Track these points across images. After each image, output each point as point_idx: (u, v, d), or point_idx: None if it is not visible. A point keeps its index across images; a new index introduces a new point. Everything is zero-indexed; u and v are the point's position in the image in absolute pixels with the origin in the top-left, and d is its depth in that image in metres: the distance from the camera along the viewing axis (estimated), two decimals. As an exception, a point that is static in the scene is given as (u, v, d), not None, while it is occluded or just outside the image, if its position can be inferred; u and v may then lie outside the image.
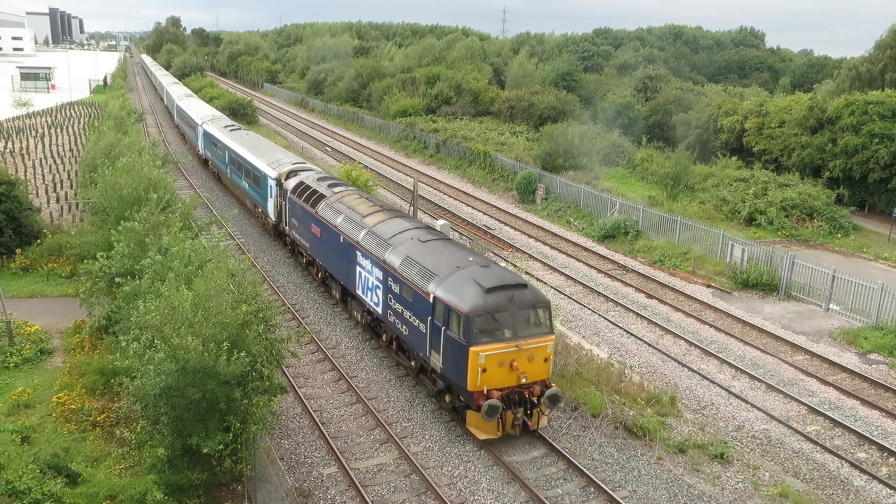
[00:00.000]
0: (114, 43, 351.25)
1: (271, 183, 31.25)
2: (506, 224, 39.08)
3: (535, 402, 17.19)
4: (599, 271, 31.54)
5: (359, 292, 22.46)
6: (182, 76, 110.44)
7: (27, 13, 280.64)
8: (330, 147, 62.59)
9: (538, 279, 29.53)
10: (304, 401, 19.12)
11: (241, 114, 69.99)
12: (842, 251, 34.24)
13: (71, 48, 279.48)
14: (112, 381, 17.08)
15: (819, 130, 42.03)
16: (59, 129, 63.05)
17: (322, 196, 26.32)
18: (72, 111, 77.00)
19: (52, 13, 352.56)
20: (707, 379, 21.88)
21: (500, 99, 67.72)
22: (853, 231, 37.00)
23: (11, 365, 19.84)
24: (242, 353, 13.74)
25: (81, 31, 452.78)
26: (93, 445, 15.90)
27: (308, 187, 27.76)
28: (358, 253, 22.08)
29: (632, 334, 24.95)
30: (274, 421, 16.52)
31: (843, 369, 22.52)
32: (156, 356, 13.42)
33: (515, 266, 29.86)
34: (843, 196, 39.50)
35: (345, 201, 25.06)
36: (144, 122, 69.14)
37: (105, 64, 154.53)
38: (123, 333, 16.09)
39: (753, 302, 28.23)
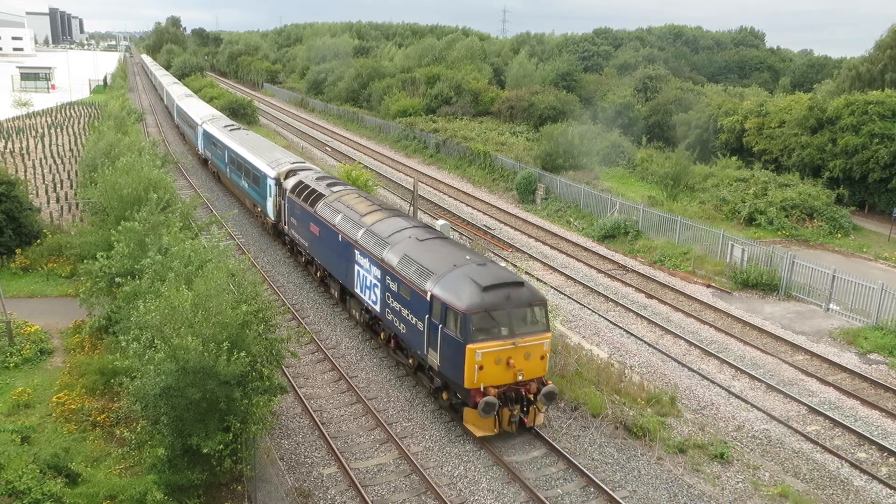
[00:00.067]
0: (114, 43, 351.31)
1: (270, 182, 31.27)
2: (506, 224, 39.09)
3: (532, 399, 17.29)
4: (599, 271, 31.54)
5: (357, 291, 22.50)
6: (182, 76, 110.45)
7: (27, 13, 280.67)
8: (330, 147, 62.60)
9: (538, 279, 29.53)
10: (304, 401, 19.12)
11: (240, 114, 70.00)
12: (842, 251, 34.24)
13: (71, 48, 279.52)
14: (112, 381, 17.08)
15: (819, 130, 42.03)
16: (59, 129, 63.05)
17: (321, 195, 26.36)
18: (72, 111, 77.00)
19: (52, 13, 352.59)
20: (707, 379, 21.88)
21: (500, 99, 67.72)
22: (853, 231, 36.99)
23: (11, 365, 19.85)
24: (242, 353, 13.74)
25: (81, 31, 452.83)
26: (93, 445, 15.90)
27: (307, 186, 27.79)
28: (356, 252, 22.14)
29: (632, 334, 24.95)
30: (274, 421, 16.53)
31: (843, 369, 22.52)
32: (156, 356, 13.42)
33: (515, 266, 29.86)
34: (843, 196, 39.50)
35: (343, 200, 25.10)
36: (144, 122, 69.14)
37: (105, 64, 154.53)
38: (123, 333, 16.10)
39: (753, 302, 28.24)
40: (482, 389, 16.67)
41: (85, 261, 20.77)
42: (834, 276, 27.08)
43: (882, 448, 18.29)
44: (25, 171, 44.08)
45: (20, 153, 50.26)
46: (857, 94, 44.04)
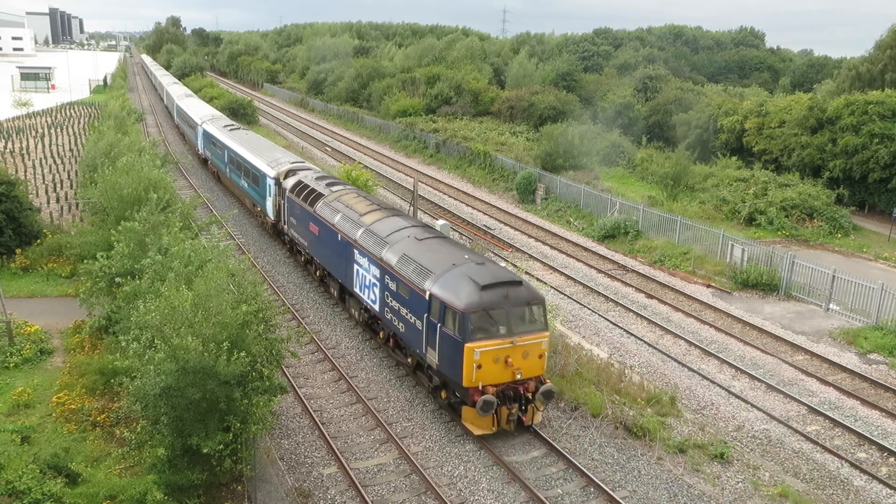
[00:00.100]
0: (114, 43, 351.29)
1: (270, 182, 31.28)
2: (506, 224, 39.08)
3: (530, 397, 17.34)
4: (599, 271, 31.54)
5: (356, 290, 22.54)
6: (182, 76, 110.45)
7: (27, 13, 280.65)
8: (330, 147, 62.60)
9: (538, 279, 29.53)
10: (304, 401, 19.12)
11: (240, 114, 70.00)
12: (842, 251, 34.24)
13: (71, 48, 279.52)
14: (112, 381, 17.08)
15: (819, 130, 42.03)
16: (59, 129, 63.05)
17: (320, 195, 26.38)
18: (72, 111, 77.00)
19: (52, 13, 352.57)
20: (707, 379, 21.87)
21: (500, 99, 67.72)
22: (853, 231, 37.00)
23: (11, 365, 19.84)
24: (242, 353, 13.74)
25: (81, 31, 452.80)
26: (93, 445, 15.90)
27: (306, 186, 27.82)
28: (355, 251, 22.18)
29: (632, 334, 24.95)
30: (274, 421, 16.53)
31: (843, 369, 22.52)
32: (156, 356, 13.42)
33: (515, 266, 29.86)
34: (843, 196, 39.50)
35: (343, 200, 25.13)
36: (144, 122, 69.15)
37: (105, 64, 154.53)
38: (123, 333, 16.09)
39: (753, 302, 28.23)
40: (480, 388, 16.72)
41: (85, 261, 20.77)
42: (834, 276, 27.08)
43: (882, 448, 18.29)
44: (25, 171, 44.08)
45: (20, 153, 50.26)
46: (857, 94, 44.04)
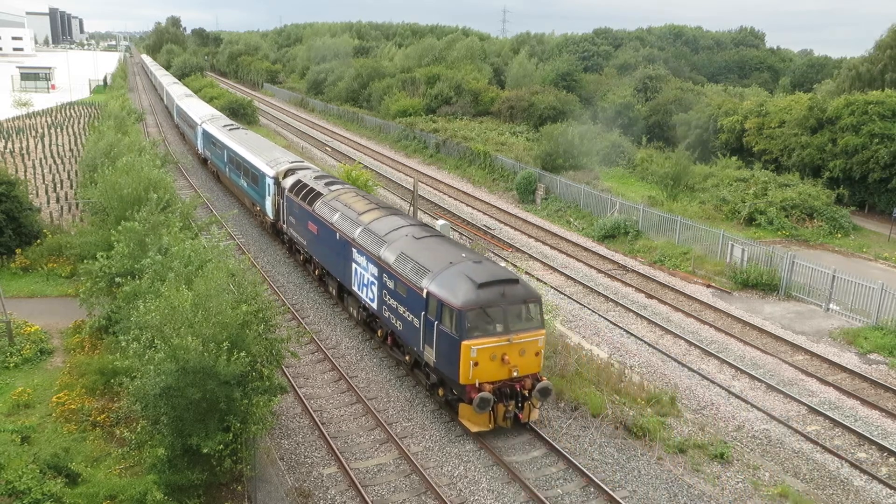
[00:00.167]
0: (114, 43, 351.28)
1: (269, 181, 31.30)
2: (506, 224, 39.08)
3: (527, 395, 17.43)
4: (599, 271, 31.54)
5: (355, 288, 22.61)
6: (182, 76, 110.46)
7: (27, 13, 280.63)
8: (330, 147, 62.60)
9: (538, 279, 29.53)
10: (304, 401, 19.12)
11: (240, 114, 70.01)
12: (842, 251, 34.24)
13: (71, 48, 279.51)
14: (112, 381, 17.08)
15: (819, 130, 42.03)
16: (59, 129, 63.05)
17: (319, 194, 26.44)
18: (72, 111, 77.00)
19: (52, 13, 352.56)
20: (707, 379, 21.87)
21: (500, 99, 67.72)
22: (853, 231, 37.00)
23: (11, 365, 19.84)
24: (242, 353, 13.74)
25: (81, 31, 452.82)
26: (93, 445, 15.90)
27: (305, 185, 27.87)
28: (354, 250, 22.25)
29: (632, 334, 24.95)
30: (274, 421, 16.53)
31: (843, 369, 22.52)
32: (156, 356, 13.42)
33: (515, 266, 29.86)
34: (843, 196, 39.49)
35: (341, 199, 25.19)
36: (144, 122, 69.14)
37: (105, 64, 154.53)
38: (123, 333, 16.09)
39: (753, 302, 28.23)
40: (477, 385, 16.82)
41: (85, 261, 20.76)
42: (834, 276, 27.07)
43: (882, 448, 18.29)
44: (25, 171, 44.08)
45: (20, 153, 50.25)
46: (857, 94, 44.04)
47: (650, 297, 28.51)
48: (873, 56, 50.95)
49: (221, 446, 13.68)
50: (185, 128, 58.35)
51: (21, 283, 26.08)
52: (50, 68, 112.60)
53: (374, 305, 21.09)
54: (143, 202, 21.81)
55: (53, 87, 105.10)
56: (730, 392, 21.06)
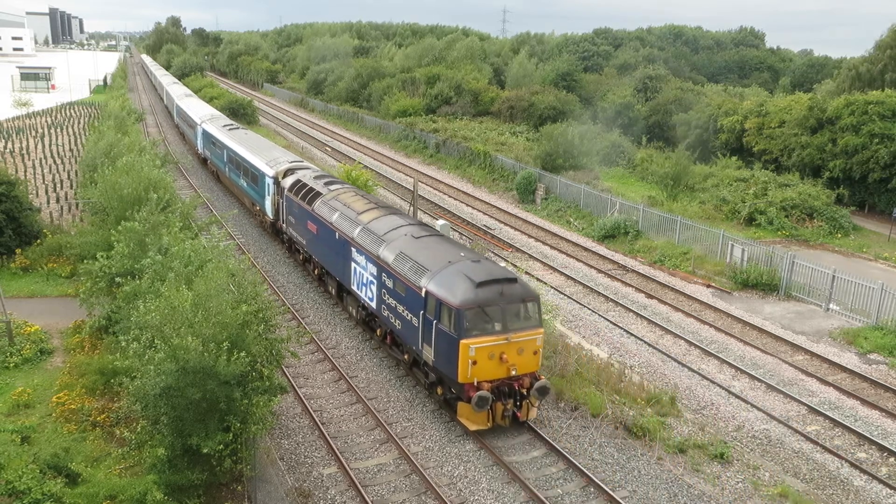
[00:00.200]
0: (114, 43, 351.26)
1: (269, 181, 31.32)
2: (506, 224, 39.09)
3: (525, 393, 17.49)
4: (599, 271, 31.54)
5: (354, 288, 22.65)
6: (182, 76, 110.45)
7: (27, 13, 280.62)
8: (330, 147, 62.60)
9: (538, 279, 29.53)
10: (304, 401, 19.12)
11: (240, 114, 70.01)
12: (842, 251, 34.24)
13: (71, 48, 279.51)
14: (112, 381, 17.08)
15: (819, 130, 42.04)
16: (59, 129, 63.05)
17: (318, 193, 26.47)
18: (72, 111, 76.99)
19: (52, 13, 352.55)
20: (707, 379, 21.87)
21: (500, 99, 67.73)
22: (853, 231, 37.00)
23: (11, 365, 19.84)
24: (242, 353, 13.74)
25: (81, 31, 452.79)
26: (93, 445, 15.90)
27: (305, 185, 27.90)
28: (353, 249, 22.29)
29: (632, 334, 24.95)
30: (274, 421, 16.53)
31: (843, 369, 22.52)
32: (156, 356, 13.42)
33: (515, 266, 29.86)
34: (843, 196, 39.50)
35: (340, 199, 25.23)
36: (144, 122, 69.14)
37: (105, 64, 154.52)
38: (123, 333, 16.09)
39: (753, 302, 28.23)
40: (476, 384, 16.87)
41: (85, 261, 20.77)
42: (834, 276, 27.07)
43: (882, 448, 18.29)
44: (25, 171, 44.08)
45: (20, 153, 50.25)
46: (857, 94, 44.04)
47: (650, 297, 28.51)
48: (873, 56, 50.96)
49: (221, 446, 13.68)
50: (184, 128, 58.36)
51: (21, 283, 26.08)
52: (50, 68, 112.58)
53: (373, 304, 21.12)
54: (143, 202, 21.81)
55: (53, 87, 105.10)
56: (730, 392, 21.06)
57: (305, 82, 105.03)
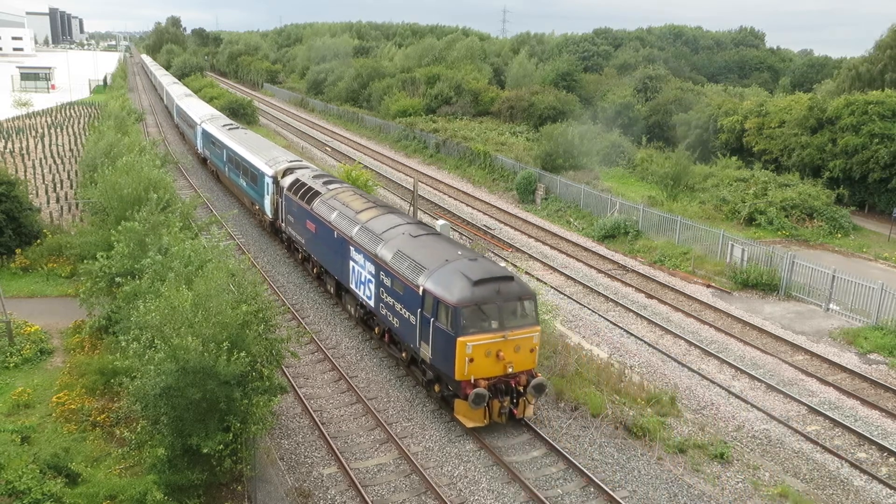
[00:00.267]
0: (114, 43, 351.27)
1: (268, 180, 31.35)
2: (506, 224, 39.09)
3: (522, 391, 17.57)
4: (599, 271, 31.54)
5: (352, 286, 22.72)
6: (182, 76, 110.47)
7: (27, 13, 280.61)
8: (330, 147, 62.61)
9: (538, 279, 29.54)
10: (304, 401, 19.12)
11: (240, 114, 70.02)
12: (842, 251, 34.24)
13: (71, 48, 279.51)
14: (112, 381, 17.08)
15: (819, 130, 42.04)
16: (59, 129, 63.04)
17: (317, 193, 26.53)
18: (72, 111, 76.99)
19: (52, 13, 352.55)
20: (707, 379, 21.88)
21: (500, 99, 67.73)
22: (853, 231, 37.00)
23: (11, 365, 19.84)
24: (242, 353, 13.74)
25: (81, 31, 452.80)
26: (93, 445, 15.89)
27: (304, 184, 27.95)
28: (351, 248, 22.36)
29: (632, 334, 24.95)
30: (274, 421, 16.53)
31: (843, 369, 22.52)
32: (156, 356, 13.42)
33: (515, 266, 29.86)
34: (843, 196, 39.50)
35: (339, 198, 25.28)
36: (144, 121, 69.14)
37: (105, 64, 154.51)
38: (123, 333, 16.09)
39: (753, 302, 28.23)
40: (473, 381, 16.97)
41: (85, 261, 20.77)
42: (834, 276, 27.07)
43: (882, 448, 18.29)
44: (25, 171, 44.07)
45: (20, 153, 50.25)
46: (857, 94, 44.04)
47: (650, 297, 28.51)
48: (873, 56, 50.96)
49: (221, 446, 13.68)
50: (184, 128, 58.37)
51: (21, 283, 26.08)
52: (50, 68, 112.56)
53: (372, 303, 21.18)
54: (143, 202, 21.81)
55: (53, 87, 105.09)
56: (730, 392, 21.06)
57: (305, 82, 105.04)
